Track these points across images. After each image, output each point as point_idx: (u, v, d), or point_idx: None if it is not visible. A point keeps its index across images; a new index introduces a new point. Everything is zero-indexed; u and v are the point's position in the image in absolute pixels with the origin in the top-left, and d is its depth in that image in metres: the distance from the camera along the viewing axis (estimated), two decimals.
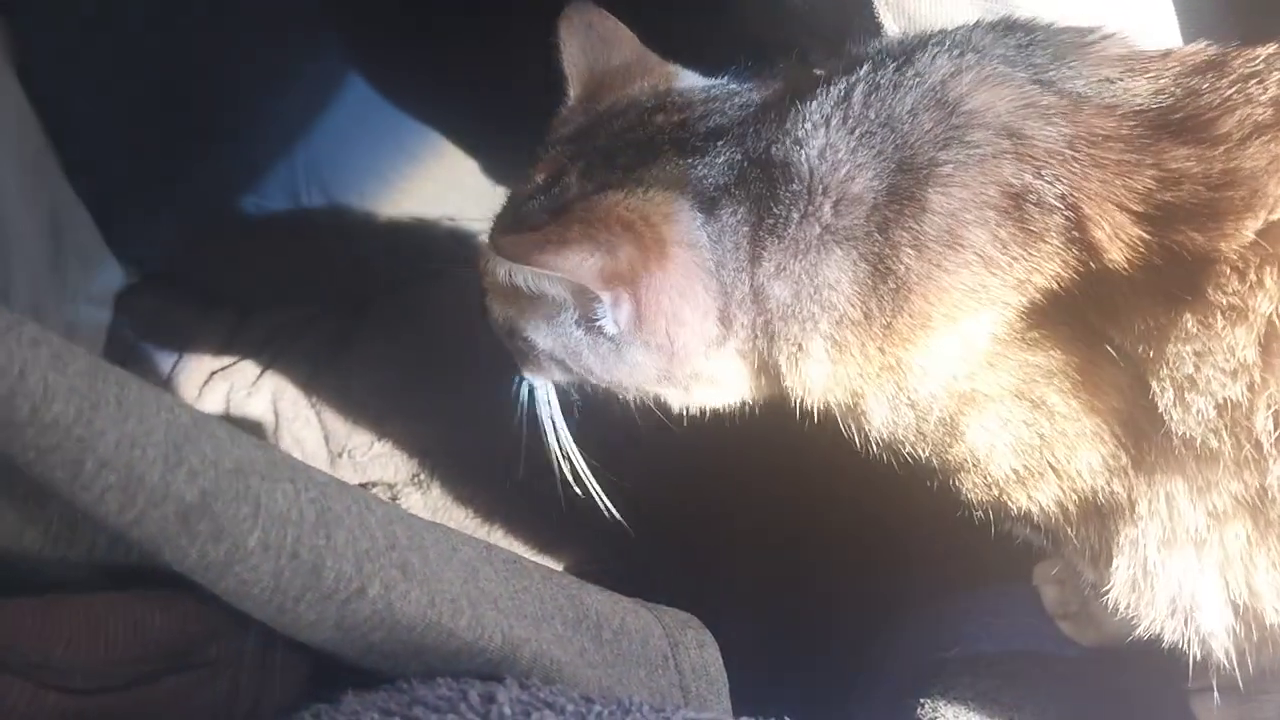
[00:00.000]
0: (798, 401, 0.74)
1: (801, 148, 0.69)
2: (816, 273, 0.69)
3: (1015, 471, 0.70)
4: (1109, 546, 0.70)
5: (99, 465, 0.44)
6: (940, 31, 0.73)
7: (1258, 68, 0.65)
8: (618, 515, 0.91)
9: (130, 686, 0.49)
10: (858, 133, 0.68)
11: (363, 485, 1.32)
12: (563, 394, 0.90)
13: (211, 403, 1.40)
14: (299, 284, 1.46)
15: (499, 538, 1.27)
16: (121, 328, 1.45)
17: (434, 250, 1.45)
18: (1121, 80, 0.68)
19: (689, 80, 0.84)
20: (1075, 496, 0.70)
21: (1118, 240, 0.63)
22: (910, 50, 0.71)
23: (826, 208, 0.68)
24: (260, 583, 0.49)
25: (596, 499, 0.89)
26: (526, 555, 1.25)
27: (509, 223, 0.80)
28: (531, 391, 0.89)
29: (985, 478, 0.72)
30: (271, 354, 1.43)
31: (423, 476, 1.32)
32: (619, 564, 1.21)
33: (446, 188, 1.42)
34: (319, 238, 1.43)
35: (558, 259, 0.69)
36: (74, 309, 1.36)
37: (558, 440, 0.88)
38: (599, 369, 0.78)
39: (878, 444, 0.74)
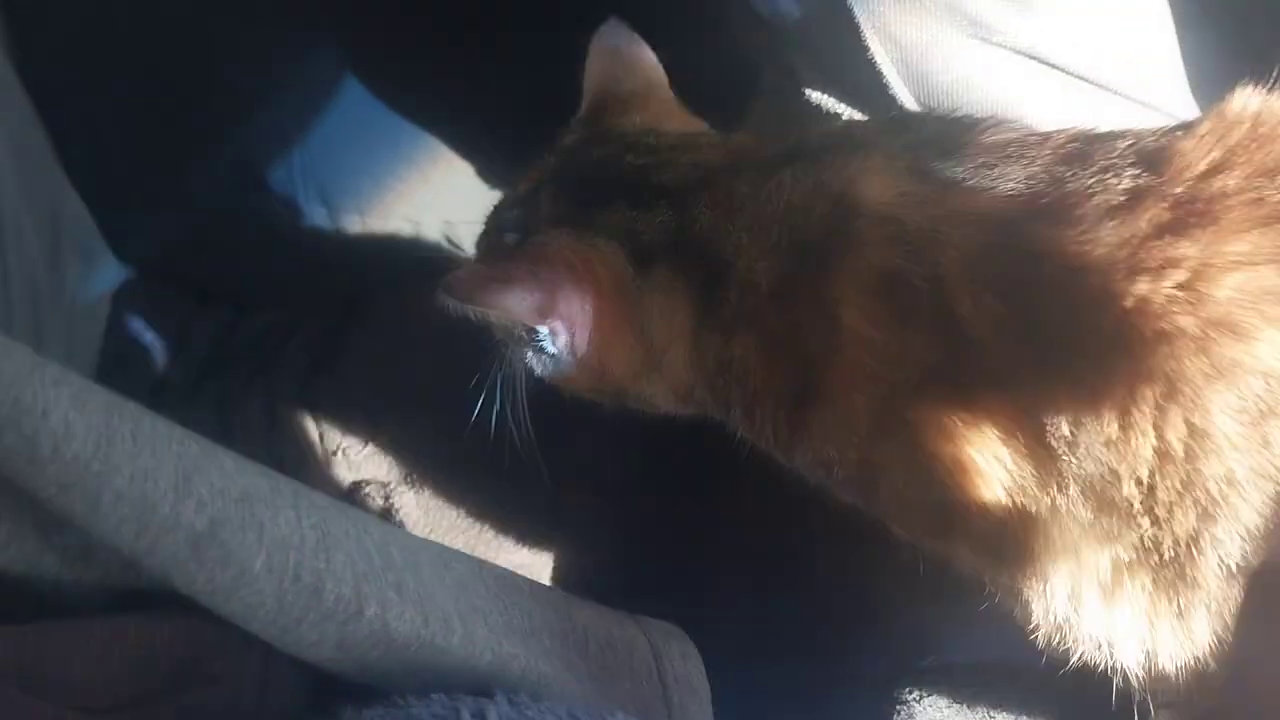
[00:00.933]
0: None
1: (721, 237, 0.75)
2: (728, 350, 0.75)
3: (924, 527, 0.76)
4: (1025, 592, 0.74)
5: (115, 498, 0.47)
6: (848, 128, 0.81)
7: (1114, 161, 0.69)
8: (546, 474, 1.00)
9: (142, 704, 0.52)
10: (762, 224, 0.74)
11: (356, 484, 1.34)
12: None
13: (206, 403, 1.41)
14: (294, 283, 1.47)
15: (490, 537, 1.29)
16: (118, 325, 1.46)
17: (428, 253, 1.46)
18: (998, 166, 0.72)
19: (674, 123, 0.88)
20: (982, 547, 0.74)
21: (981, 317, 0.67)
22: (822, 148, 0.77)
23: (733, 293, 0.74)
24: (265, 605, 0.52)
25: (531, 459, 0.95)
26: (518, 553, 1.28)
27: (490, 228, 0.90)
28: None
29: (902, 528, 0.77)
30: (266, 352, 1.44)
31: (415, 476, 1.34)
32: (609, 565, 1.23)
33: (443, 191, 1.43)
34: (315, 238, 1.44)
35: (497, 298, 0.76)
36: (72, 305, 1.36)
37: (514, 402, 0.91)
38: (539, 369, 0.84)
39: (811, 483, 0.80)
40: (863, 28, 0.91)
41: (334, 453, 1.37)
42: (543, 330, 0.78)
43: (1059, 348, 0.66)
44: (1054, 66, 0.92)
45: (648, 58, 0.92)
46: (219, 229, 1.45)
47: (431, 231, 1.47)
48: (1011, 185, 0.70)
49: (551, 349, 0.80)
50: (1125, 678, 0.75)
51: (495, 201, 1.28)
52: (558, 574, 1.26)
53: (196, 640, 0.54)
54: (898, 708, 0.96)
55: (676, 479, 1.18)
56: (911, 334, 0.69)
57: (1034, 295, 0.67)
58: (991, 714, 0.96)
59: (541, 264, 0.77)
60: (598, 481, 1.23)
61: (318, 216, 1.43)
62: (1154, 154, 0.69)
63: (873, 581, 1.03)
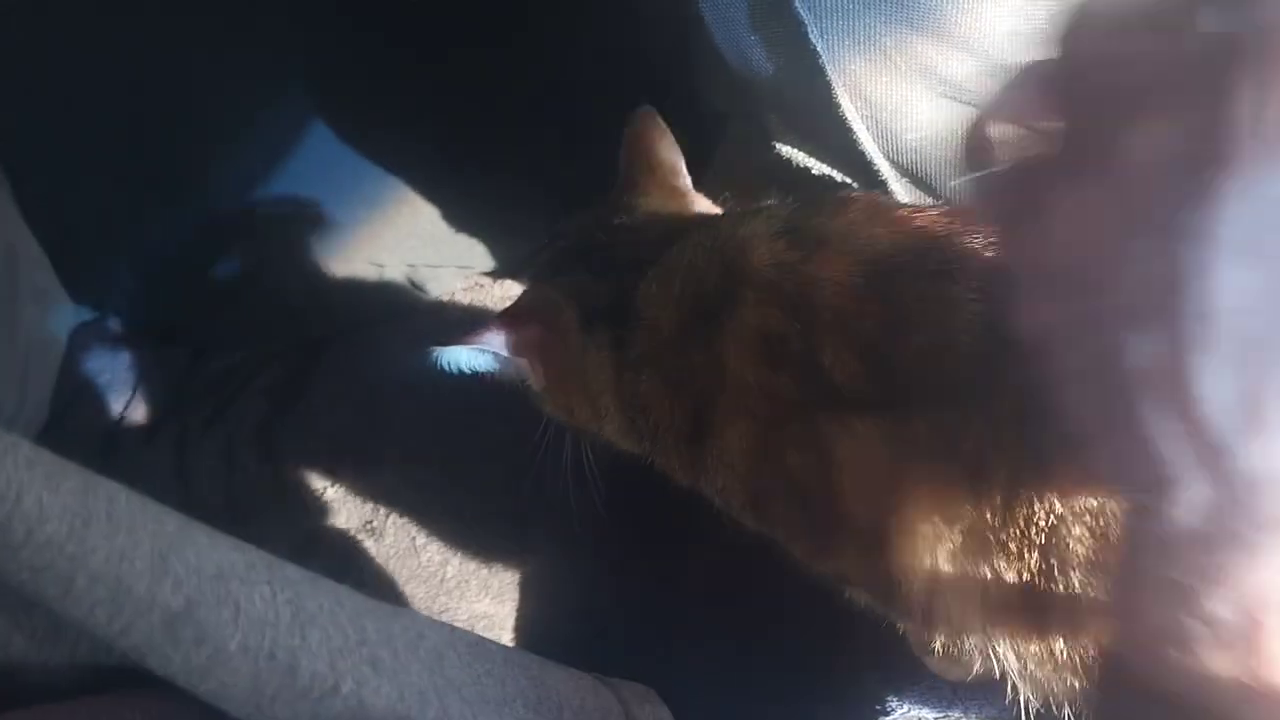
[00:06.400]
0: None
1: (638, 291, 0.84)
2: (635, 387, 0.84)
3: (809, 550, 0.81)
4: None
5: (90, 580, 0.46)
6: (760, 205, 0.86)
7: (973, 245, 0.73)
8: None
9: None
10: (668, 279, 0.83)
11: (315, 530, 1.33)
12: None
13: (163, 445, 1.40)
14: (255, 326, 1.46)
15: (452, 586, 1.28)
16: (74, 365, 1.44)
17: (391, 295, 1.46)
18: (864, 227, 0.77)
19: (665, 202, 0.96)
20: (860, 566, 0.79)
21: (844, 373, 0.73)
22: (727, 216, 0.89)
23: (641, 336, 0.83)
24: (239, 684, 0.51)
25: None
26: (480, 602, 1.27)
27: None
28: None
29: (795, 553, 0.83)
30: (225, 396, 1.43)
31: (375, 523, 1.33)
32: (575, 615, 1.22)
33: (405, 234, 1.43)
34: (276, 280, 1.44)
35: (478, 339, 0.88)
36: (25, 346, 1.35)
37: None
38: (542, 407, 0.96)
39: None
40: (835, 85, 0.92)
41: (292, 499, 1.36)
42: (518, 364, 0.90)
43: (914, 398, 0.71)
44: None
45: (661, 141, 0.99)
46: (178, 271, 1.44)
47: (395, 274, 1.46)
48: (877, 249, 0.75)
49: (534, 384, 0.92)
50: None
51: (460, 245, 1.43)
52: (522, 624, 1.25)
53: None
54: None
55: (644, 530, 1.18)
56: (784, 378, 0.75)
57: (889, 360, 0.72)
58: None
59: (514, 312, 0.91)
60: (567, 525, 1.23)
61: (280, 258, 1.42)
62: None
63: (847, 631, 1.02)
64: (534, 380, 0.92)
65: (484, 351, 0.88)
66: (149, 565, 0.48)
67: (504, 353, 0.88)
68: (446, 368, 0.88)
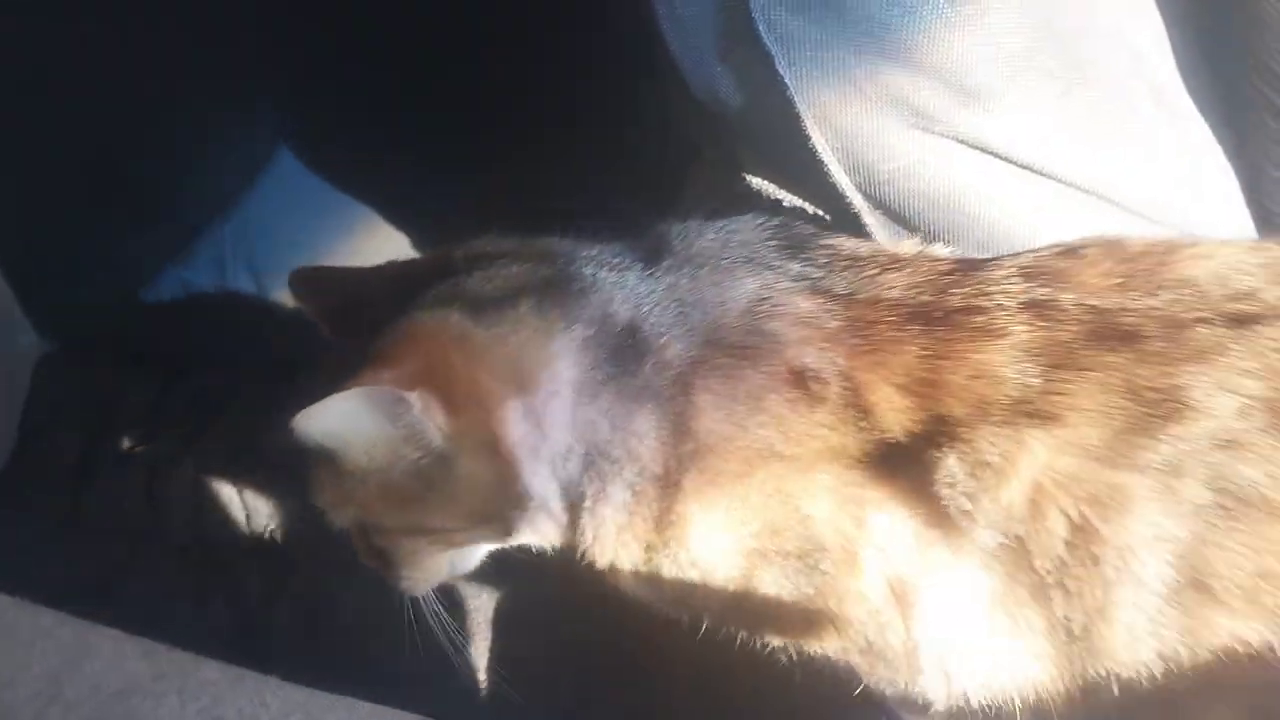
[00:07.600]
0: (583, 550, 0.79)
1: (638, 313, 0.77)
2: (630, 421, 0.75)
3: (801, 627, 0.76)
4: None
5: None
6: (726, 236, 0.82)
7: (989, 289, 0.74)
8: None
9: None
10: (676, 307, 0.77)
11: (282, 569, 1.30)
12: None
13: (136, 474, 1.37)
14: (223, 355, 1.44)
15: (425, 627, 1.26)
16: (43, 392, 1.41)
17: None
18: (880, 275, 0.77)
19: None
20: (863, 640, 0.75)
21: (888, 406, 0.71)
22: (726, 263, 0.80)
23: (648, 367, 0.75)
24: None
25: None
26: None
27: None
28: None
29: (779, 629, 0.77)
30: (194, 428, 1.40)
31: (347, 563, 1.30)
32: (552, 649, 1.20)
33: (377, 259, 1.40)
34: (244, 309, 1.43)
35: (356, 382, 0.71)
36: None
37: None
38: (442, 506, 0.80)
39: (673, 602, 0.79)
40: (804, 117, 0.90)
41: (260, 534, 1.33)
42: (414, 403, 0.73)
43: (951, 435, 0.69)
44: (999, 156, 0.91)
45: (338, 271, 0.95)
46: (146, 299, 1.43)
47: None
48: (897, 293, 0.75)
49: (434, 435, 0.75)
50: None
51: None
52: (495, 663, 1.22)
53: None
54: None
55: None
56: (821, 417, 0.72)
57: (931, 389, 0.71)
58: None
59: (384, 350, 0.76)
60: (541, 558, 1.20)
61: (248, 286, 1.40)
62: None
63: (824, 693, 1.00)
64: (438, 422, 0.75)
65: (362, 405, 0.73)
66: (37, 690, 0.44)
67: (391, 395, 0.72)
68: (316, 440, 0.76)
